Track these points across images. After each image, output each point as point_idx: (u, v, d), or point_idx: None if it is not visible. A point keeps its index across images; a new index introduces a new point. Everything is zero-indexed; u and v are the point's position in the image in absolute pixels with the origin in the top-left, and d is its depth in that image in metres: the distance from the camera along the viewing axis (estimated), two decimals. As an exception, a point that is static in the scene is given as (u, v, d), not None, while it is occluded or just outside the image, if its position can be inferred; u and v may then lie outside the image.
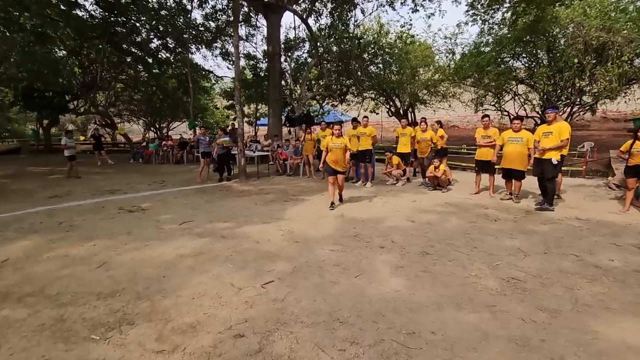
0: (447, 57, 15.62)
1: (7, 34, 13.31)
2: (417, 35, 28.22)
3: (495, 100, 14.37)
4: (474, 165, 7.10)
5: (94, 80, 16.99)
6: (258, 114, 22.35)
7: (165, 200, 6.79)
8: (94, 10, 14.64)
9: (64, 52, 16.55)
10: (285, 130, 15.67)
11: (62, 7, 13.27)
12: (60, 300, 2.74)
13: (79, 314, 2.54)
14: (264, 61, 17.68)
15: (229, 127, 14.69)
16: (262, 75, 18.02)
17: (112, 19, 14.80)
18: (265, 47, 15.72)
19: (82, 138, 26.57)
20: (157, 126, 26.70)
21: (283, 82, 15.42)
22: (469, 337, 2.21)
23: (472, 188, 6.98)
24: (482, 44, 12.98)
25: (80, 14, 14.06)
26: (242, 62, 17.59)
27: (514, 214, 5.26)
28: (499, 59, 12.37)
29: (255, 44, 38.84)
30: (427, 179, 7.60)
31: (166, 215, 5.51)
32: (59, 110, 19.66)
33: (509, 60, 12.92)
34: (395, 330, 2.30)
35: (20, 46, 13.81)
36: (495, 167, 6.71)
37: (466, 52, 13.76)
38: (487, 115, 6.84)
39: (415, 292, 2.82)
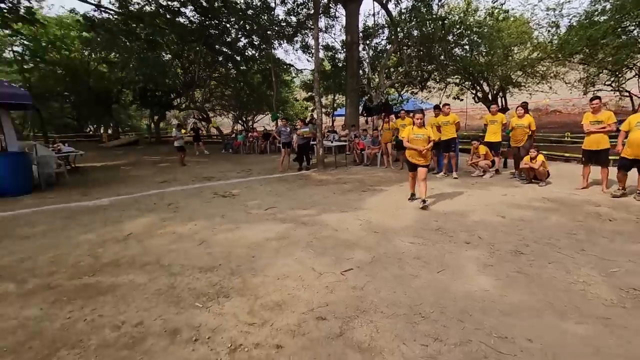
0: (548, 31, 13.64)
1: (128, 44, 15.73)
2: (512, 9, 25.26)
3: (612, 79, 12.12)
4: (580, 155, 6.13)
5: (193, 79, 19.18)
6: (335, 105, 22.59)
7: (252, 187, 7.36)
8: (193, 17, 16.38)
9: (169, 55, 18.92)
10: (362, 120, 15.54)
11: (167, 16, 15.14)
12: (171, 271, 3.20)
13: (186, 283, 2.94)
14: (342, 51, 17.69)
15: (308, 119, 15.17)
16: (340, 65, 18.06)
17: (207, 22, 16.36)
18: (344, 37, 15.70)
19: (183, 131, 30.22)
20: (244, 119, 28.95)
21: (361, 71, 15.24)
22: (575, 351, 1.96)
23: (577, 182, 6.05)
24: (596, 13, 10.97)
25: (181, 20, 15.87)
26: (321, 54, 17.90)
27: (636, 214, 4.41)
28: (619, 29, 10.33)
29: (334, 34, 39.07)
30: (520, 171, 6.83)
31: (253, 200, 5.99)
32: (166, 107, 22.80)
33: (634, 30, 10.70)
34: (484, 332, 2.15)
35: (136, 53, 16.21)
36: (610, 157, 5.70)
37: (574, 23, 11.80)
38: (598, 97, 5.78)
39: (507, 294, 2.58)
